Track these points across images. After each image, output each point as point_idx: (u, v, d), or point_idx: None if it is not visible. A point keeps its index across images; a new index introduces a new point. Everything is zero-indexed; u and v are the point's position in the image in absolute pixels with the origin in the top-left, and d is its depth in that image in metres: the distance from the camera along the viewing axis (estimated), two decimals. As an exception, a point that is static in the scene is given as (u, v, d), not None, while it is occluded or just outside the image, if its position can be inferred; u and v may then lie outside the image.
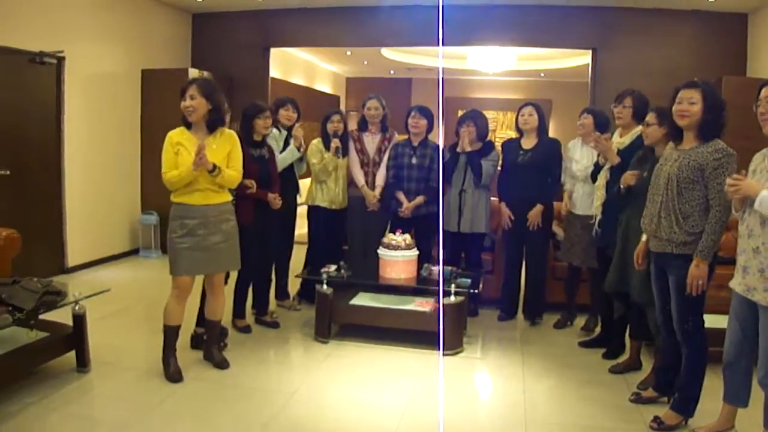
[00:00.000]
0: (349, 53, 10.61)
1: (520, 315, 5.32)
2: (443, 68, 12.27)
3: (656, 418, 3.36)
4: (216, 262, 3.89)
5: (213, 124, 3.80)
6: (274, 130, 5.06)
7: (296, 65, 10.91)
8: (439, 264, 4.73)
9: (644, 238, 3.51)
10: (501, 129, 13.76)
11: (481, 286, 4.74)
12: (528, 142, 5.03)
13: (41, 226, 6.17)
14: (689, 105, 3.18)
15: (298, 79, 11.01)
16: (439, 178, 5.00)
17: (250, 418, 3.42)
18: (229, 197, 3.95)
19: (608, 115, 4.69)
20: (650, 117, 3.74)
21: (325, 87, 12.60)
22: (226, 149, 3.84)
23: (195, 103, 3.70)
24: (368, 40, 8.30)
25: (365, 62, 11.90)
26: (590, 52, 7.60)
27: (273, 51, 8.47)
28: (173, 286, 3.84)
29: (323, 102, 12.03)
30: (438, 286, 4.43)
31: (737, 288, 2.90)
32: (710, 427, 3.20)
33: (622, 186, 3.89)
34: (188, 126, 3.79)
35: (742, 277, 2.87)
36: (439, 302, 4.41)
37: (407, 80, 13.96)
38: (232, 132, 3.95)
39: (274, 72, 9.40)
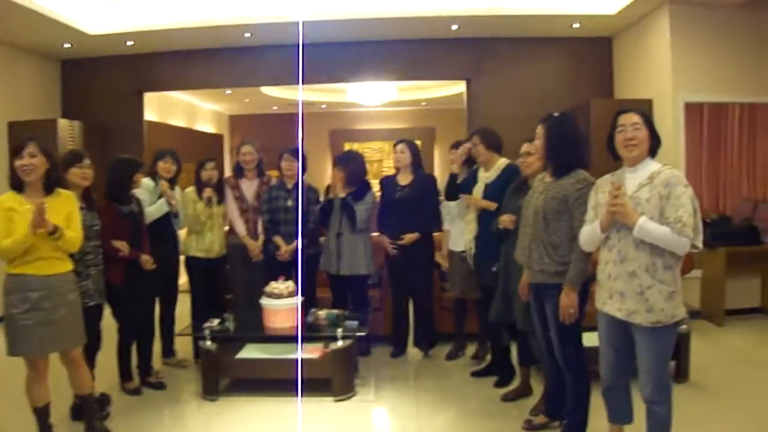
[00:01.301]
0: (228, 92, 10.45)
1: (413, 349, 5.31)
2: (326, 102, 12.29)
3: (546, 447, 3.42)
4: (63, 338, 3.53)
5: (51, 184, 3.52)
6: (149, 182, 4.88)
7: (175, 107, 10.62)
8: (315, 308, 4.72)
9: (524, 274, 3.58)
10: (388, 159, 13.91)
11: (367, 325, 4.68)
12: (404, 178, 5.09)
13: None
14: (537, 140, 3.35)
15: (178, 121, 10.72)
16: (297, 219, 4.95)
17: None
18: (72, 266, 3.61)
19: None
20: (529, 147, 3.78)
21: (207, 127, 12.32)
22: (65, 210, 3.54)
23: (35, 161, 3.39)
24: (243, 80, 8.20)
25: (246, 100, 11.75)
26: (463, 83, 7.79)
27: (150, 94, 8.24)
28: (28, 368, 3.50)
29: (206, 142, 11.76)
30: (298, 331, 4.37)
31: (618, 314, 2.89)
32: None
33: (500, 228, 3.96)
34: (18, 189, 3.47)
35: (621, 303, 2.87)
36: (298, 353, 4.37)
37: (292, 115, 13.87)
38: (70, 193, 3.65)
39: (152, 115, 9.13)
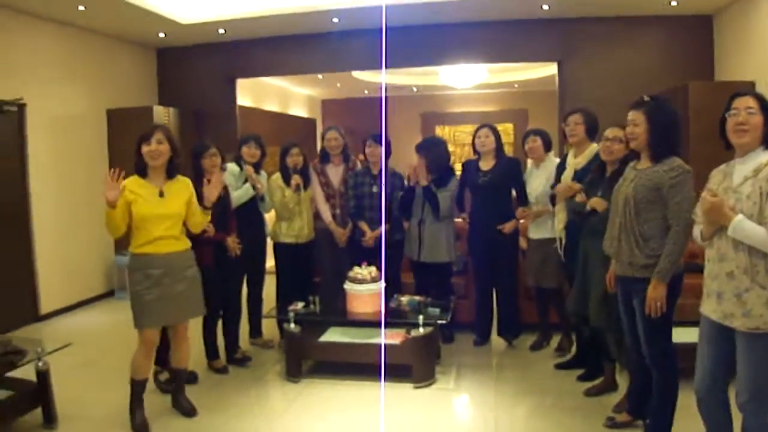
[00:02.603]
0: (320, 77, 10.57)
1: (497, 338, 5.25)
2: (418, 85, 12.26)
3: (628, 445, 3.30)
4: (182, 310, 3.84)
5: (173, 170, 3.79)
6: (236, 167, 5.00)
7: (268, 92, 10.86)
8: (403, 294, 4.71)
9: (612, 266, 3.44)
10: (480, 142, 13.75)
11: (449, 313, 4.64)
12: (486, 164, 5.00)
13: (11, 275, 6.10)
14: (633, 128, 3.13)
15: (271, 106, 10.96)
16: (381, 204, 4.91)
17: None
18: (189, 244, 3.89)
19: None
20: (618, 132, 3.66)
21: (300, 111, 12.54)
22: (185, 195, 3.82)
23: (162, 148, 3.68)
24: (332, 65, 8.29)
25: (338, 84, 11.86)
26: (555, 64, 7.57)
27: (243, 80, 8.45)
28: (140, 341, 3.77)
29: (299, 126, 11.99)
30: (381, 317, 4.37)
31: (713, 315, 2.74)
32: None
33: (587, 210, 3.81)
34: (141, 174, 3.73)
35: (717, 303, 2.71)
36: (381, 336, 4.36)
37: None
38: (187, 179, 3.92)
39: (246, 101, 9.37)
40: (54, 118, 6.60)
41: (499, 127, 11.59)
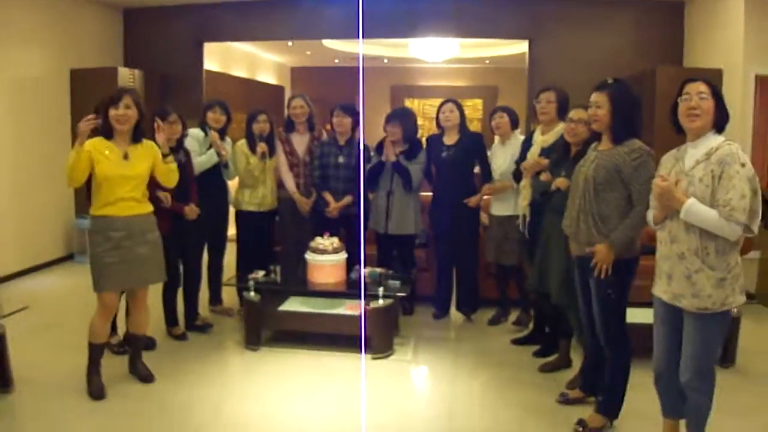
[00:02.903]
0: (290, 44, 10.43)
1: (457, 312, 5.30)
2: (388, 56, 12.16)
3: (581, 421, 3.35)
4: (142, 274, 3.81)
5: (139, 134, 3.76)
6: (200, 132, 4.94)
7: (236, 57, 10.68)
8: (361, 266, 4.72)
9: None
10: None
11: (409, 286, 4.71)
12: (450, 139, 5.01)
13: (-35, 236, 5.96)
14: (596, 109, 3.15)
15: (239, 71, 10.79)
16: (360, 177, 4.89)
17: (170, 435, 3.33)
18: (151, 208, 3.85)
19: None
20: (577, 113, 3.68)
21: (268, 78, 12.37)
22: (149, 159, 3.79)
23: (130, 113, 3.66)
24: (304, 32, 8.18)
25: (308, 52, 11.72)
26: (527, 42, 7.57)
27: (211, 44, 8.30)
28: (99, 304, 3.73)
29: (267, 93, 11.83)
30: (360, 290, 4.37)
31: (663, 296, 2.82)
32: None
33: (552, 189, 3.83)
34: (107, 136, 3.67)
35: (667, 284, 2.79)
36: (361, 306, 4.36)
37: (353, 69, 13.80)
38: (152, 142, 3.87)
39: (214, 65, 9.22)
40: (15, 78, 6.42)
41: (469, 103, 11.63)
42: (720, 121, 2.71)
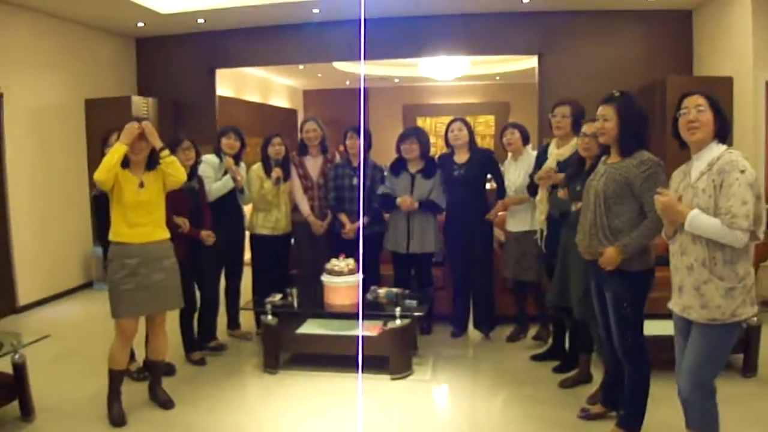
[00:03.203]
0: (301, 67, 10.54)
1: (475, 330, 5.27)
2: (399, 76, 12.26)
3: (602, 436, 3.34)
4: (159, 301, 3.83)
5: (154, 162, 3.81)
6: (214, 158, 4.98)
7: (249, 82, 10.81)
8: (381, 286, 4.75)
9: None
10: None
11: (427, 305, 4.71)
12: (460, 157, 5.02)
13: (-13, 267, 6.04)
14: (604, 122, 3.16)
15: (252, 96, 10.91)
16: (360, 194, 4.94)
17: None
18: (168, 234, 3.88)
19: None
20: (592, 128, 3.67)
21: (281, 101, 12.50)
22: (160, 180, 3.83)
23: (143, 143, 3.72)
24: (313, 56, 8.27)
25: (319, 75, 11.83)
26: (536, 57, 7.60)
27: (224, 70, 8.40)
28: (117, 331, 3.77)
29: (280, 117, 11.96)
30: (358, 310, 4.41)
31: (675, 308, 2.83)
32: None
33: (573, 209, 3.79)
34: (123, 165, 3.71)
35: (678, 297, 2.80)
36: (359, 328, 4.37)
37: (364, 89, 13.92)
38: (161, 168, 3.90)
39: (227, 91, 9.33)
40: (32, 108, 6.52)
41: (481, 120, 11.67)
42: (721, 131, 2.72)
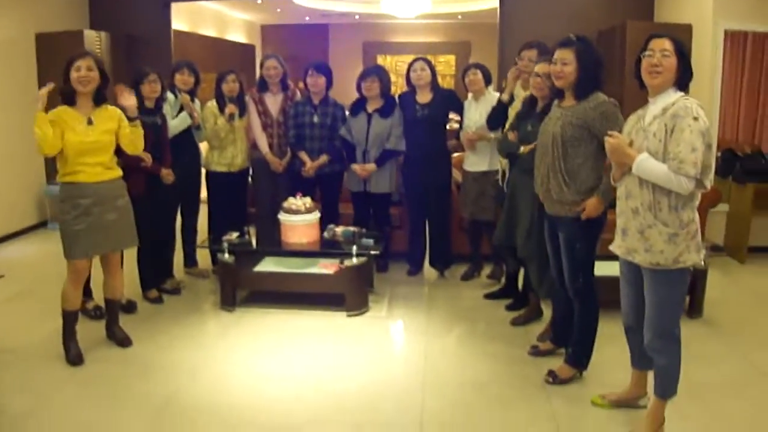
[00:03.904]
0: (259, 1, 10.27)
1: (431, 268, 5.37)
2: (360, 12, 12.03)
3: (551, 372, 3.46)
4: (113, 240, 3.80)
5: (102, 98, 3.72)
6: (170, 95, 4.88)
7: (205, 16, 10.50)
8: (341, 223, 4.80)
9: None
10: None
11: (383, 244, 4.75)
12: (423, 97, 4.99)
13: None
14: (562, 66, 3.14)
15: (208, 31, 10.62)
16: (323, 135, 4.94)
17: (150, 397, 3.39)
18: (120, 173, 3.83)
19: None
20: (540, 68, 3.68)
21: (238, 37, 12.19)
22: (114, 125, 3.73)
23: (92, 75, 3.60)
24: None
25: (278, 10, 11.56)
26: (498, -4, 7.51)
27: (180, 4, 8.13)
28: (69, 271, 3.73)
29: (237, 53, 11.68)
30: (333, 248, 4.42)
31: (618, 251, 2.87)
32: (621, 395, 3.19)
33: (521, 153, 3.85)
34: (69, 102, 3.62)
35: (621, 240, 2.83)
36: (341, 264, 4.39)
37: (324, 26, 13.66)
38: (115, 107, 3.81)
39: (182, 25, 9.06)
40: (-22, 44, 6.26)
41: (441, 59, 11.59)
42: (682, 79, 2.71)
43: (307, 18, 12.35)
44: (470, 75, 4.90)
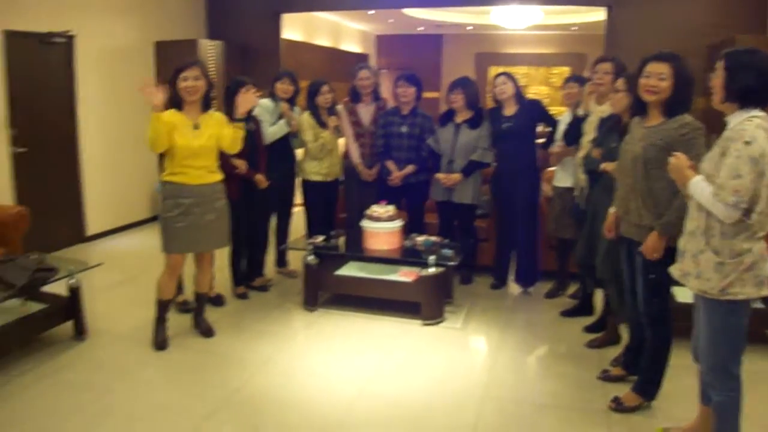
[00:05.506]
0: (372, 12, 10.51)
1: (515, 284, 5.32)
2: (473, 23, 12.04)
3: (616, 399, 3.35)
4: (207, 240, 4.05)
5: (208, 104, 3.96)
6: (268, 102, 5.11)
7: (320, 26, 10.86)
8: (424, 233, 4.86)
9: (612, 209, 3.39)
10: (534, 85, 13.48)
11: (462, 255, 4.75)
12: (508, 110, 4.97)
13: (60, 199, 6.47)
14: (658, 81, 2.97)
15: (323, 41, 10.98)
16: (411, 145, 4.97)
17: (222, 385, 3.61)
18: (221, 176, 4.06)
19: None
20: (620, 83, 3.60)
21: (353, 46, 12.51)
22: (219, 129, 3.97)
23: (199, 84, 3.84)
24: (381, 1, 8.19)
25: (390, 20, 11.77)
26: (605, 9, 7.35)
27: (295, 15, 8.45)
28: (166, 264, 4.04)
29: (351, 62, 11.97)
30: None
31: (675, 273, 2.75)
32: (687, 430, 3.03)
33: (602, 170, 3.74)
34: (178, 108, 3.88)
35: (680, 261, 2.72)
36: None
37: (437, 36, 13.76)
38: (221, 114, 4.08)
39: (296, 35, 9.41)
40: (102, 50, 6.81)
41: (555, 71, 11.43)
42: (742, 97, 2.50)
43: (421, 28, 12.49)
44: (567, 88, 4.85)
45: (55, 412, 3.30)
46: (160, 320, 4.11)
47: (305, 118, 5.22)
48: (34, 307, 4.07)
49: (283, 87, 5.13)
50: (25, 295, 4.00)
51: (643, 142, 3.05)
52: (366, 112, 5.36)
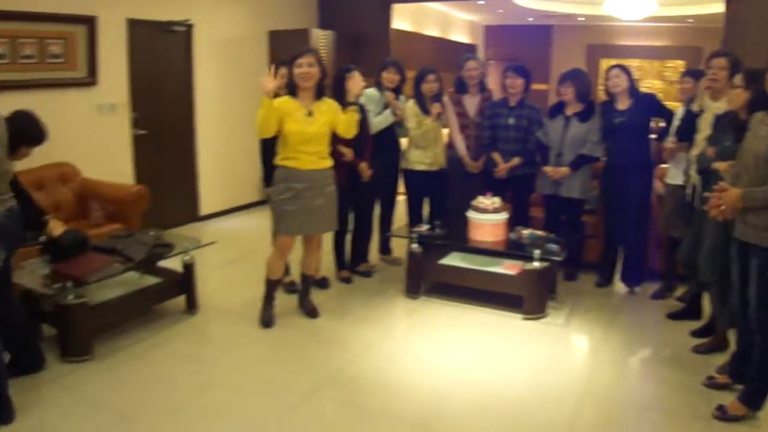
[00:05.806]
0: (482, 2, 10.44)
1: (620, 282, 5.19)
2: (584, 14, 11.74)
3: (720, 407, 3.23)
4: (317, 223, 4.20)
5: (321, 92, 4.08)
6: (374, 91, 5.17)
7: (429, 16, 10.90)
8: (529, 227, 4.84)
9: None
10: (647, 78, 13.00)
11: (567, 251, 4.69)
12: (622, 104, 4.84)
13: (177, 179, 6.86)
14: None
15: (431, 30, 11.01)
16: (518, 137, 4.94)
17: (324, 363, 3.77)
18: (331, 163, 4.19)
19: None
20: (738, 79, 3.45)
21: (461, 37, 12.48)
22: (332, 116, 4.10)
23: (313, 71, 3.97)
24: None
25: (500, 11, 11.66)
26: (724, 0, 6.98)
27: (404, 5, 8.50)
28: (276, 245, 4.24)
29: (459, 52, 11.91)
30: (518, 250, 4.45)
31: None
32: None
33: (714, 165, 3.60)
34: (293, 94, 4.03)
35: None
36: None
37: (547, 27, 13.49)
38: (333, 101, 4.19)
39: (406, 25, 9.48)
40: (218, 39, 7.10)
41: (669, 64, 11.03)
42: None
43: (531, 19, 12.31)
44: (683, 82, 4.70)
45: (164, 380, 3.55)
46: (268, 299, 4.31)
47: (410, 106, 5.27)
48: (151, 280, 4.36)
49: (388, 76, 5.18)
50: (142, 269, 4.30)
51: (766, 141, 2.93)
52: (472, 103, 5.36)
